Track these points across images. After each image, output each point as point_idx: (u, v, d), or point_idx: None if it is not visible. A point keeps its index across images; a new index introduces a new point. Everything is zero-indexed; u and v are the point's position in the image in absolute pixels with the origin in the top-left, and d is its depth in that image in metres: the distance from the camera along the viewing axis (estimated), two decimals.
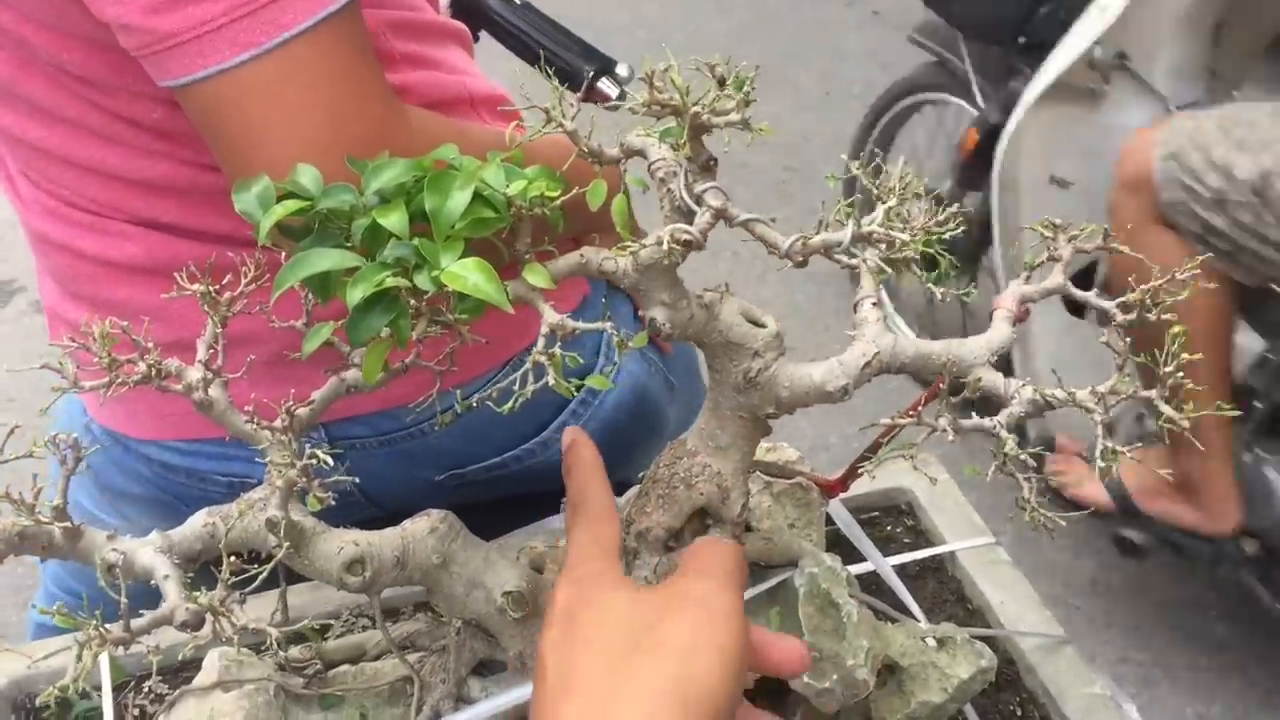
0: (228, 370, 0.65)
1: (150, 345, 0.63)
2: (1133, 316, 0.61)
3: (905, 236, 0.56)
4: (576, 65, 1.28)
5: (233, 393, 0.69)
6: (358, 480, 0.65)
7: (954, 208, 0.63)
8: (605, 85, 1.29)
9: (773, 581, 0.70)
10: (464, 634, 0.69)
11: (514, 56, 1.31)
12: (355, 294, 0.55)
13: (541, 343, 0.57)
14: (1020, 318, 0.66)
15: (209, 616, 0.55)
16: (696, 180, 0.56)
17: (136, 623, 0.55)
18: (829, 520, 0.93)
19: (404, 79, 0.91)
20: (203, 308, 0.65)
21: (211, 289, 0.65)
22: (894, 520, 0.98)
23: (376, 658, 0.73)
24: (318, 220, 0.62)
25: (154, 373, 0.63)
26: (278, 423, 0.62)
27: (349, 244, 0.60)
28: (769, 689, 0.70)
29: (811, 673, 0.65)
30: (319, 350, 0.68)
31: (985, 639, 0.86)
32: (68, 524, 0.58)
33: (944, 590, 0.91)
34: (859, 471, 0.79)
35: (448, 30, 1.05)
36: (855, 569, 0.89)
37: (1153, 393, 0.58)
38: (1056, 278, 0.65)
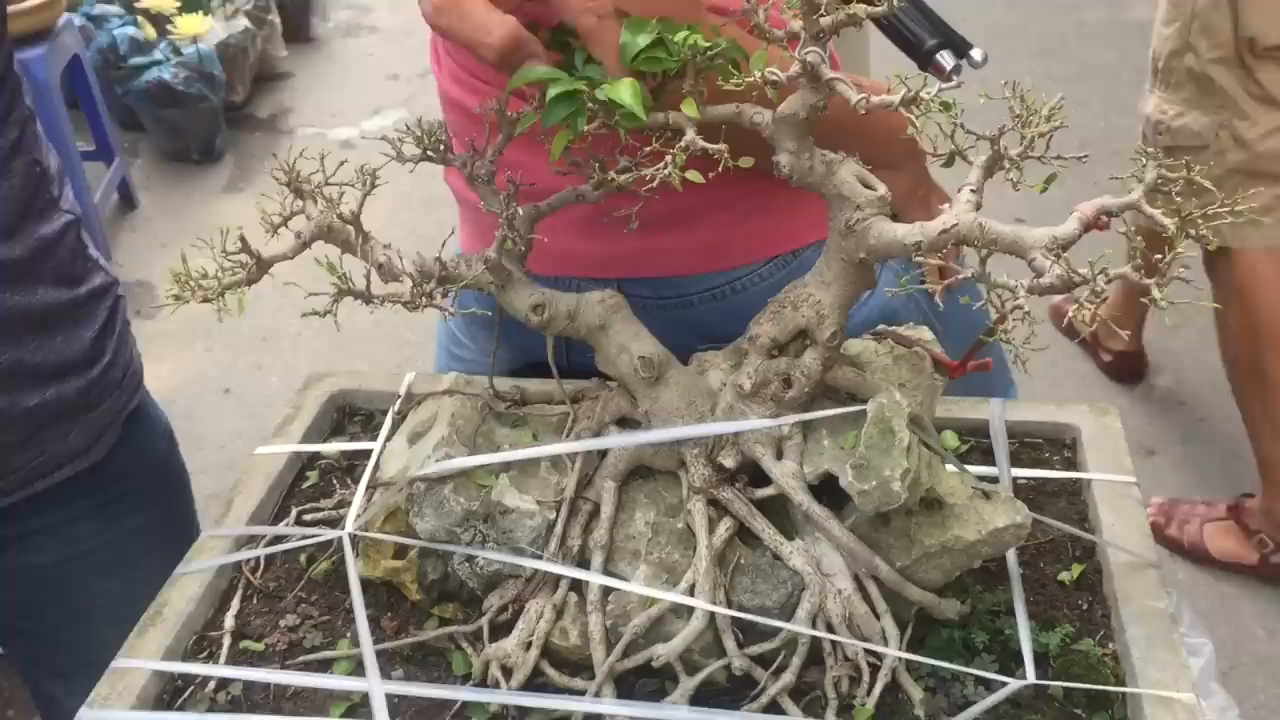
0: (557, 226, 0.90)
1: (439, 126, 0.89)
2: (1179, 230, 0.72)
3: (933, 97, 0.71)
4: (920, 35, 1.43)
5: (555, 243, 0.95)
6: (539, 236, 0.87)
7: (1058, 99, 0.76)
8: (943, 58, 1.43)
9: (856, 409, 0.85)
10: (614, 391, 0.91)
11: None
12: (552, 90, 0.78)
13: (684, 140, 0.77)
14: (1099, 226, 0.77)
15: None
16: (808, 44, 0.74)
17: (378, 291, 0.81)
18: (985, 433, 1.06)
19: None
20: (499, 120, 0.91)
21: (505, 109, 0.90)
22: (1055, 450, 1.07)
23: (560, 403, 0.96)
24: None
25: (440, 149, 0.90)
26: (507, 189, 0.86)
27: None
28: (831, 490, 0.85)
29: (858, 475, 0.80)
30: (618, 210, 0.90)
31: (1081, 543, 0.96)
32: (359, 228, 0.85)
33: (1071, 510, 1.00)
34: (977, 356, 0.92)
35: None
36: (982, 470, 1.01)
37: (1150, 282, 0.68)
38: (1135, 195, 0.76)
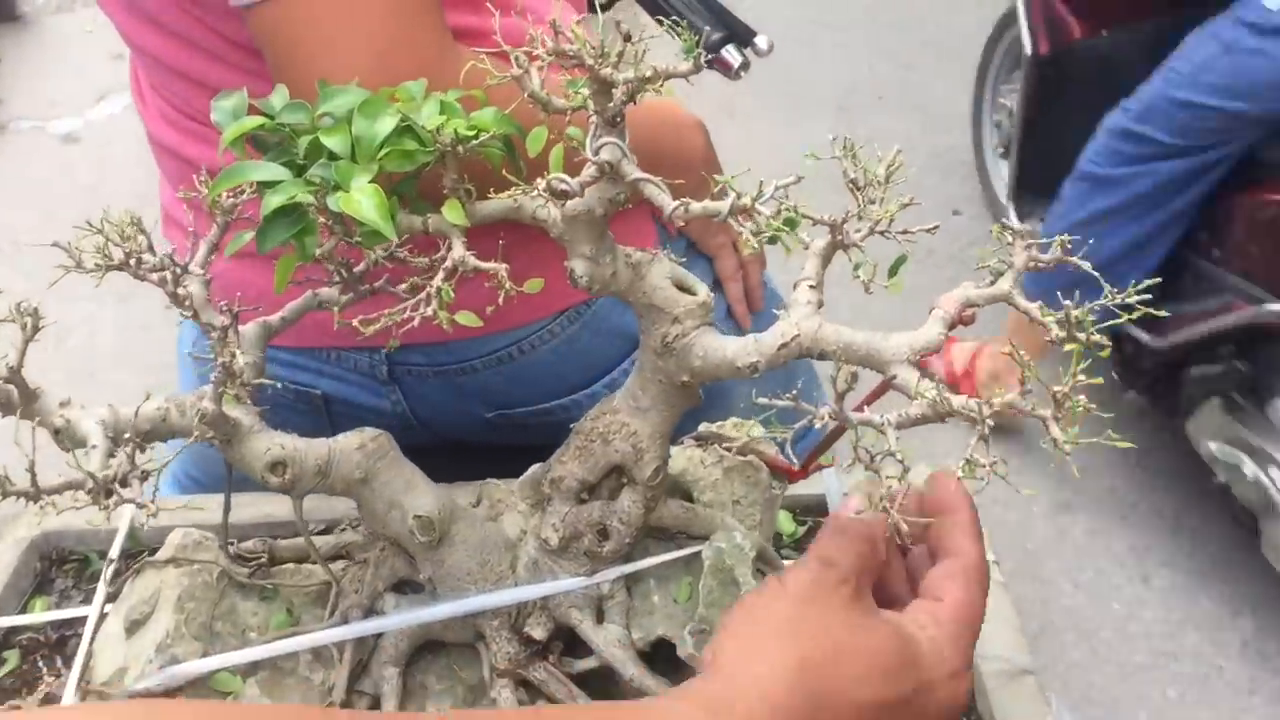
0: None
1: (143, 234, 0.68)
2: (1064, 334, 0.58)
3: (765, 212, 0.55)
4: (699, 28, 1.28)
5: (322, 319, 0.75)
6: (281, 385, 0.68)
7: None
8: (729, 53, 1.28)
9: (688, 551, 0.70)
10: (386, 551, 0.72)
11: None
12: (270, 202, 0.58)
13: (440, 276, 0.59)
14: (964, 321, 0.63)
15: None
16: (601, 134, 0.56)
17: (48, 484, 0.60)
18: (824, 508, 0.92)
19: (467, 22, 0.93)
20: (213, 212, 0.70)
21: (220, 199, 0.70)
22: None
23: (318, 562, 0.77)
24: (284, 137, 0.65)
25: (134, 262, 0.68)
26: (222, 319, 0.66)
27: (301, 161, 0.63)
28: (668, 655, 0.70)
29: (698, 643, 0.65)
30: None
31: None
32: (22, 385, 0.64)
33: None
34: (819, 462, 0.77)
35: None
36: None
37: (1046, 412, 0.55)
38: (1004, 284, 0.62)
